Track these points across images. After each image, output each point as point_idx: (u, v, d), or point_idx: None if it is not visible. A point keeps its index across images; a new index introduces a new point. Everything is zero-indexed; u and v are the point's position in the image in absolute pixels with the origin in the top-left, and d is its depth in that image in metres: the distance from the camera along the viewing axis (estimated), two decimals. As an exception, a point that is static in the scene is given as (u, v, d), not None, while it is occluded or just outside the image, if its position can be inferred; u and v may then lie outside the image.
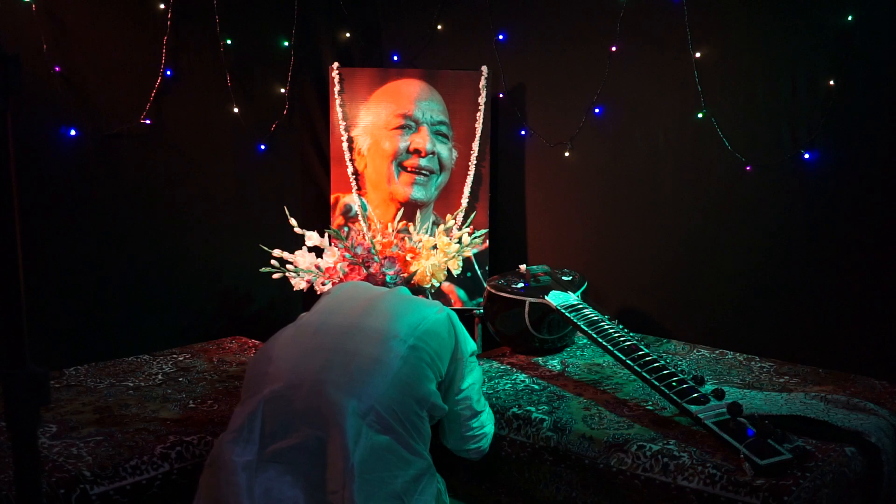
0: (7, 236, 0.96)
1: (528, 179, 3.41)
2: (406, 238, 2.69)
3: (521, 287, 2.70)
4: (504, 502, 2.18)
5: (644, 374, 2.10)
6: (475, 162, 3.31)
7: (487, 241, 3.26)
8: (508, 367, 2.58)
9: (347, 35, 3.55)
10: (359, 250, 2.59)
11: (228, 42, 3.12)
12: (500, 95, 3.42)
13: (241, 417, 1.79)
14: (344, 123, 3.29)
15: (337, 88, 3.28)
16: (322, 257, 2.68)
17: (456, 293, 3.32)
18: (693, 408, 1.93)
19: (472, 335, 3.14)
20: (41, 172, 2.67)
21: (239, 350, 2.85)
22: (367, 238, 2.62)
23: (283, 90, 3.34)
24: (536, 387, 2.36)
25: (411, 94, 3.29)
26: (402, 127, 3.27)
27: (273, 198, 3.23)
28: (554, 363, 2.61)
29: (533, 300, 2.61)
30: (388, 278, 2.54)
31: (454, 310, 2.14)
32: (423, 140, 3.27)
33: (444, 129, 3.30)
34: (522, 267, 2.86)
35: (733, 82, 2.79)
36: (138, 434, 1.99)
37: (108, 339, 2.85)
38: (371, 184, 3.31)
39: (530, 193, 3.42)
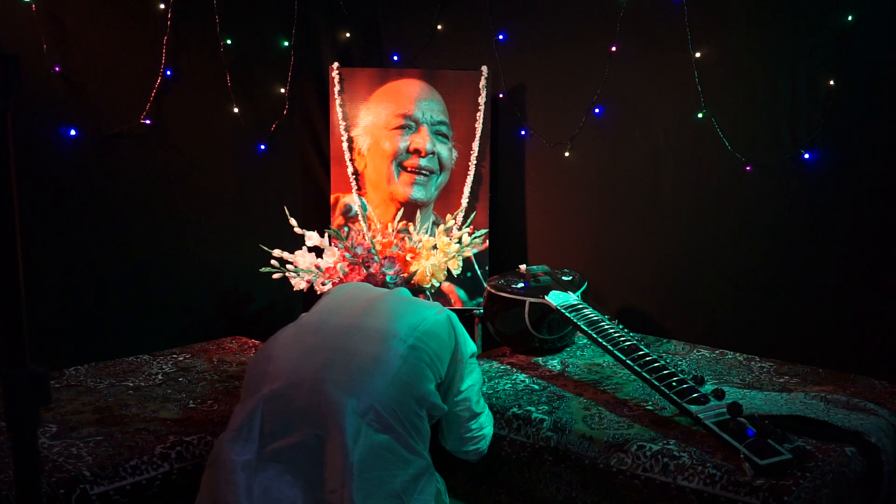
0: (7, 236, 0.96)
1: (528, 179, 3.41)
2: (406, 238, 2.69)
3: (521, 287, 2.70)
4: (504, 502, 2.18)
5: (644, 374, 2.10)
6: (475, 162, 3.30)
7: (487, 241, 3.26)
8: (508, 367, 2.58)
9: (347, 35, 3.55)
10: (359, 250, 2.59)
11: (228, 42, 3.12)
12: (500, 95, 3.42)
13: (240, 416, 1.79)
14: (344, 123, 3.29)
15: (337, 88, 3.28)
16: (322, 257, 2.68)
17: (456, 293, 3.32)
18: (693, 408, 1.93)
19: (472, 335, 3.14)
20: (41, 172, 2.67)
21: (239, 350, 2.85)
22: (367, 238, 2.62)
23: (283, 90, 3.34)
24: (536, 387, 2.36)
25: (411, 94, 3.29)
26: (402, 127, 3.27)
27: (273, 198, 3.23)
28: (554, 363, 2.61)
29: (533, 300, 2.61)
30: (388, 278, 2.54)
31: (454, 310, 2.14)
32: (423, 140, 3.27)
33: (444, 129, 3.30)
34: (522, 267, 2.86)
35: (733, 82, 2.79)
36: (138, 434, 1.99)
37: (108, 339, 2.85)
38: (371, 184, 3.31)
39: (530, 193, 3.42)
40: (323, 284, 2.63)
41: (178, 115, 3.01)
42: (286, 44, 3.33)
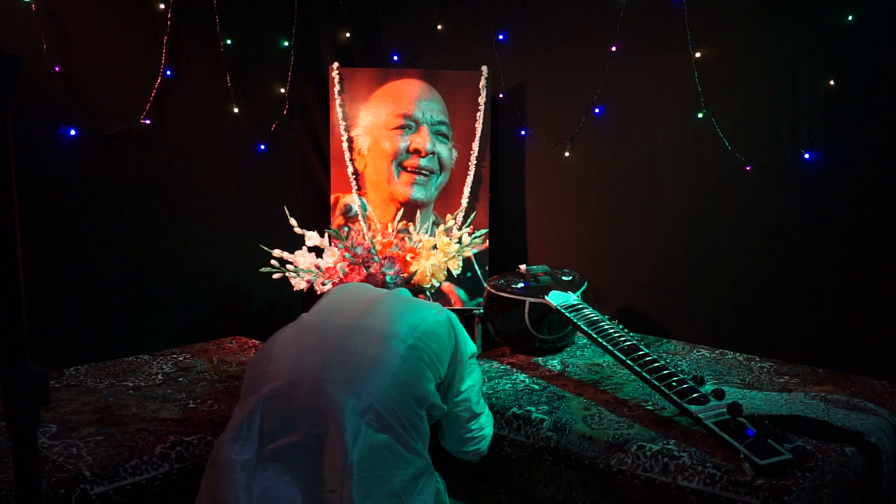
0: (7, 236, 0.96)
1: (528, 179, 3.41)
2: (406, 238, 2.69)
3: (521, 287, 2.70)
4: (504, 502, 2.18)
5: (644, 374, 2.10)
6: (475, 162, 3.30)
7: (487, 241, 3.26)
8: (508, 367, 2.58)
9: (347, 35, 3.55)
10: (359, 250, 2.59)
11: (228, 42, 3.12)
12: (500, 95, 3.42)
13: (240, 416, 1.79)
14: (344, 123, 3.29)
15: (337, 88, 3.28)
16: (322, 257, 2.68)
17: (456, 293, 3.32)
18: (693, 408, 1.93)
19: (472, 335, 3.14)
20: (41, 172, 2.67)
21: (239, 350, 2.85)
22: (367, 238, 2.62)
23: (283, 90, 3.34)
24: (536, 387, 2.36)
25: (411, 94, 3.29)
26: (402, 127, 3.27)
27: (273, 198, 3.23)
28: (554, 363, 2.61)
29: (533, 300, 2.61)
30: (388, 278, 2.54)
31: (454, 310, 2.14)
32: (423, 140, 3.27)
33: (444, 129, 3.30)
34: (522, 267, 2.86)
35: (733, 82, 2.79)
36: (138, 434, 1.99)
37: (108, 339, 2.85)
38: (371, 184, 3.31)
39: (530, 193, 3.42)
40: (323, 284, 2.63)
41: (178, 115, 3.01)
42: (286, 44, 3.33)
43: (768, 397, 2.13)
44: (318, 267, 2.66)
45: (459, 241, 2.70)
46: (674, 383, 2.03)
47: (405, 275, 2.60)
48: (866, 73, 2.51)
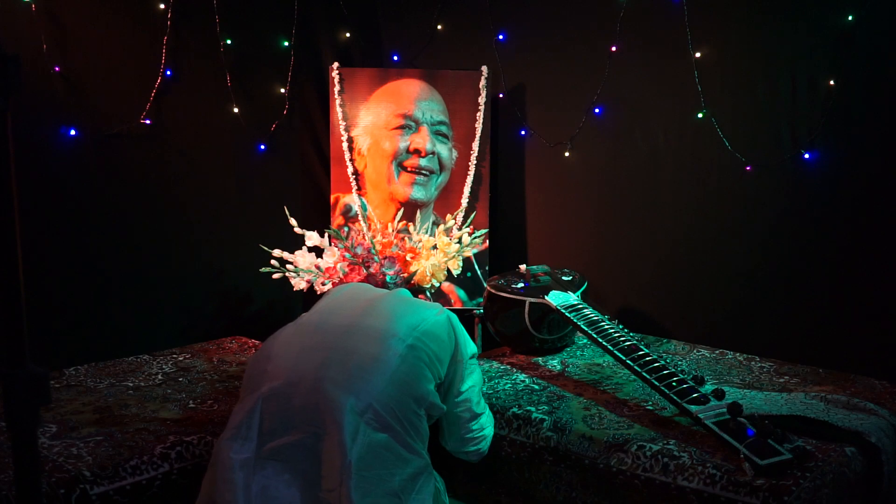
0: (7, 236, 0.96)
1: (528, 179, 3.41)
2: (406, 238, 2.69)
3: (521, 287, 2.70)
4: (504, 502, 2.18)
5: (644, 374, 2.10)
6: (475, 162, 3.31)
7: (487, 241, 3.26)
8: (508, 367, 2.58)
9: (347, 35, 3.55)
10: (359, 250, 2.59)
11: (228, 42, 3.12)
12: (500, 95, 3.42)
13: (239, 415, 1.79)
14: (344, 123, 3.29)
15: (337, 88, 3.28)
16: (322, 257, 2.68)
17: (456, 293, 3.32)
18: (693, 408, 1.93)
19: (472, 335, 3.14)
20: (41, 172, 2.67)
21: (239, 350, 2.85)
22: (367, 238, 2.62)
23: (283, 90, 3.34)
24: (536, 387, 2.36)
25: (411, 94, 3.29)
26: (402, 127, 3.27)
27: (273, 198, 3.23)
28: (554, 363, 2.61)
29: (533, 300, 2.61)
30: (388, 278, 2.54)
31: (454, 310, 2.14)
32: (423, 140, 3.27)
33: (444, 129, 3.30)
34: (522, 267, 2.86)
35: (733, 82, 2.79)
36: (138, 434, 1.99)
37: (108, 339, 2.85)
38: (371, 184, 3.31)
39: (530, 193, 3.42)
40: (323, 284, 2.63)
41: (178, 115, 3.01)
42: (286, 44, 3.33)
43: (768, 397, 2.13)
44: (318, 267, 2.66)
45: (459, 241, 2.70)
46: (674, 383, 2.03)
47: (405, 275, 2.60)
48: (866, 73, 2.51)
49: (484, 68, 3.28)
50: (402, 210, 3.04)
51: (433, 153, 3.28)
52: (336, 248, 2.65)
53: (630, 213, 3.11)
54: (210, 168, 3.16)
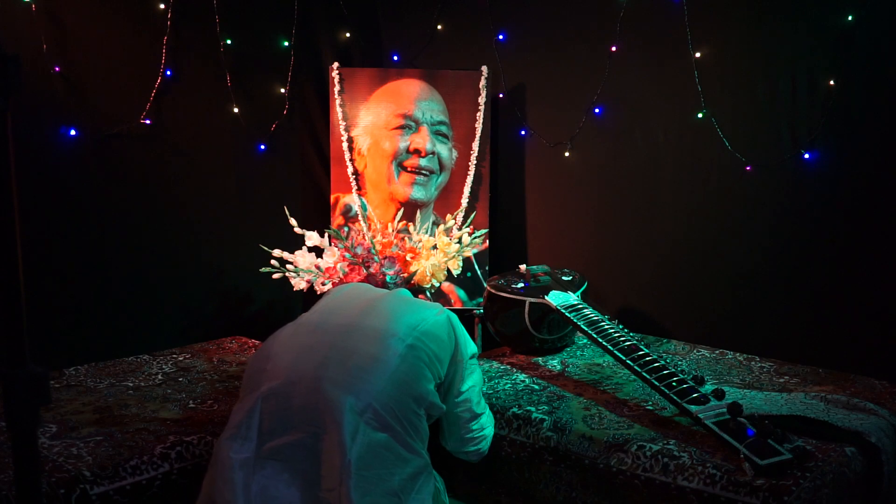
0: (7, 236, 0.96)
1: (528, 179, 3.41)
2: (406, 238, 2.69)
3: (521, 287, 2.70)
4: (504, 502, 2.18)
5: (644, 374, 2.10)
6: (475, 162, 3.30)
7: (487, 241, 3.26)
8: (508, 367, 2.58)
9: (347, 35, 3.55)
10: (359, 250, 2.59)
11: (228, 42, 3.12)
12: (500, 95, 3.42)
13: (239, 415, 1.79)
14: (344, 123, 3.29)
15: (337, 88, 3.28)
16: (322, 257, 2.68)
17: (456, 293, 3.32)
18: (693, 408, 1.93)
19: (472, 335, 3.14)
20: (41, 172, 2.66)
21: (239, 350, 2.85)
22: (367, 238, 2.62)
23: (283, 90, 3.34)
24: (536, 387, 2.36)
25: (411, 94, 3.29)
26: (402, 127, 3.27)
27: (273, 198, 3.23)
28: (554, 363, 2.61)
29: (533, 300, 2.61)
30: (388, 278, 2.54)
31: (454, 310, 2.14)
32: (423, 140, 3.27)
33: (444, 129, 3.30)
34: (522, 267, 2.86)
35: (733, 82, 2.79)
36: (138, 434, 1.99)
37: (108, 339, 2.85)
38: (371, 184, 3.31)
39: (530, 193, 3.42)
40: (323, 284, 2.63)
41: (178, 115, 3.01)
42: (286, 44, 3.33)
43: (768, 397, 2.13)
44: (318, 267, 2.66)
45: (459, 241, 2.70)
46: (674, 383, 2.03)
47: (405, 275, 2.60)
48: (866, 73, 2.51)
49: (484, 68, 3.28)
50: (402, 210, 3.04)
51: (433, 153, 3.28)
52: (336, 248, 2.65)
53: (630, 213, 3.11)
54: (210, 168, 3.16)
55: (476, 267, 3.28)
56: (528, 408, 2.17)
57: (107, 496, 1.77)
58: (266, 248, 2.73)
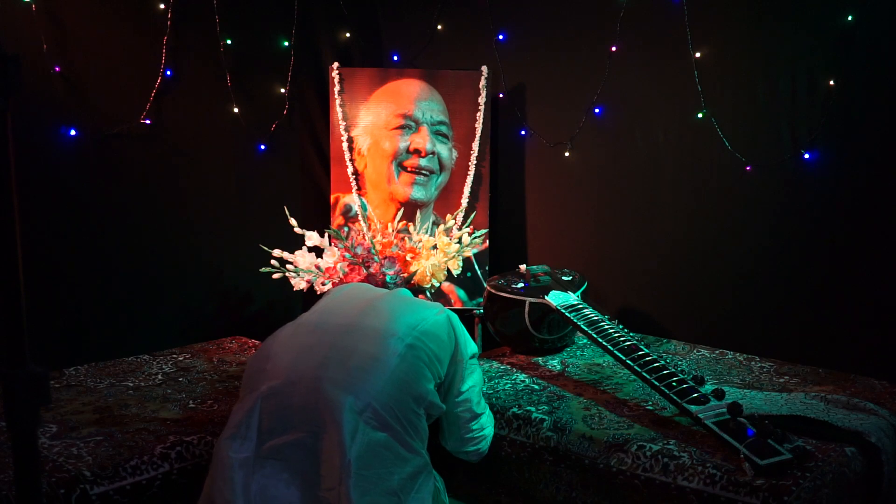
0: (7, 236, 0.96)
1: (528, 179, 3.41)
2: (406, 238, 2.69)
3: (521, 287, 2.70)
4: (504, 502, 2.18)
5: (644, 374, 2.10)
6: (475, 162, 3.30)
7: (487, 241, 3.26)
8: (508, 367, 2.58)
9: (347, 35, 3.55)
10: (359, 250, 2.59)
11: (228, 42, 3.12)
12: (500, 95, 3.42)
13: (239, 414, 1.79)
14: (344, 123, 3.29)
15: (337, 88, 3.28)
16: (322, 257, 2.68)
17: (456, 293, 3.32)
18: (693, 408, 1.93)
19: (472, 335, 3.14)
20: (41, 172, 2.66)
21: (239, 350, 2.85)
22: (367, 238, 2.62)
23: (283, 90, 3.34)
24: (536, 387, 2.36)
25: (411, 94, 3.29)
26: (402, 127, 3.27)
27: (273, 198, 3.23)
28: (554, 363, 2.61)
29: (533, 300, 2.61)
30: (388, 278, 2.54)
31: (454, 310, 2.14)
32: (423, 140, 3.27)
33: (444, 129, 3.30)
34: (522, 267, 2.86)
35: (733, 82, 2.79)
36: (138, 434, 1.99)
37: (108, 339, 2.85)
38: (371, 184, 3.31)
39: (530, 193, 3.42)
40: (323, 284, 2.63)
41: (178, 115, 3.01)
42: (286, 44, 3.33)
43: (768, 397, 2.13)
44: (318, 267, 2.66)
45: (459, 241, 2.70)
46: (674, 383, 2.03)
47: (405, 275, 2.60)
48: (866, 73, 2.51)
49: (484, 68, 3.28)
50: (402, 210, 3.05)
51: (433, 153, 3.28)
52: (336, 248, 2.65)
53: (630, 213, 3.11)
54: (210, 168, 3.16)
55: (476, 267, 3.28)
56: (528, 408, 2.17)
57: (107, 496, 1.77)
58: (266, 248, 2.73)
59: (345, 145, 3.29)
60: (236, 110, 3.17)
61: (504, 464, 2.15)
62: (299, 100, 3.40)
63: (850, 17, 2.49)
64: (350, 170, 3.29)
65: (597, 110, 3.14)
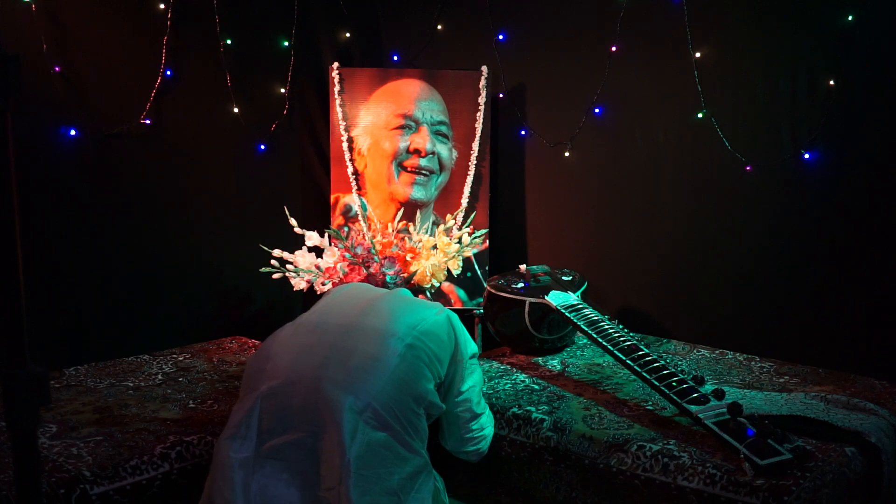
0: (7, 236, 0.96)
1: (528, 179, 3.41)
2: (406, 238, 2.69)
3: (521, 287, 2.70)
4: (504, 502, 2.18)
5: (644, 374, 2.10)
6: (475, 162, 3.30)
7: (487, 241, 3.26)
8: (508, 367, 2.58)
9: (347, 35, 3.55)
10: (359, 250, 2.59)
11: (228, 42, 3.12)
12: (500, 95, 3.42)
13: (239, 414, 1.79)
14: (344, 123, 3.29)
15: (337, 88, 3.28)
16: (322, 257, 2.68)
17: (456, 293, 3.32)
18: (693, 408, 1.93)
19: (472, 335, 3.14)
20: (41, 172, 2.67)
21: (239, 350, 2.85)
22: (367, 238, 2.62)
23: (283, 90, 3.34)
24: (536, 387, 2.36)
25: (411, 94, 3.29)
26: (402, 127, 3.27)
27: (273, 198, 3.23)
28: (554, 363, 2.61)
29: (533, 300, 2.61)
30: (388, 278, 2.54)
31: (454, 310, 2.14)
32: (423, 140, 3.27)
33: (444, 129, 3.30)
34: (522, 267, 2.86)
35: (733, 82, 2.79)
36: (138, 434, 1.99)
37: (108, 339, 2.85)
38: (371, 184, 3.31)
39: (530, 193, 3.42)
40: (323, 284, 2.63)
41: (178, 115, 3.01)
42: (286, 44, 3.33)
43: (768, 397, 2.13)
44: (318, 267, 2.66)
45: (459, 241, 2.70)
46: (674, 383, 2.03)
47: (405, 275, 2.60)
48: (866, 73, 2.51)
49: (484, 68, 3.28)
50: (402, 210, 3.04)
51: (433, 153, 3.28)
52: (336, 248, 2.65)
53: (630, 213, 3.11)
54: (210, 168, 3.16)
55: (476, 267, 3.28)
56: (528, 408, 2.17)
57: (107, 496, 1.77)
58: (266, 248, 2.73)
59: (345, 145, 3.29)
60: (236, 110, 3.17)
61: (504, 464, 2.15)
62: (299, 100, 3.40)
63: (850, 17, 2.49)
64: (350, 170, 3.29)
65: (597, 110, 3.14)
